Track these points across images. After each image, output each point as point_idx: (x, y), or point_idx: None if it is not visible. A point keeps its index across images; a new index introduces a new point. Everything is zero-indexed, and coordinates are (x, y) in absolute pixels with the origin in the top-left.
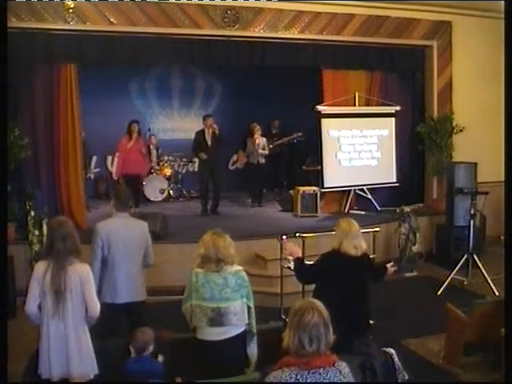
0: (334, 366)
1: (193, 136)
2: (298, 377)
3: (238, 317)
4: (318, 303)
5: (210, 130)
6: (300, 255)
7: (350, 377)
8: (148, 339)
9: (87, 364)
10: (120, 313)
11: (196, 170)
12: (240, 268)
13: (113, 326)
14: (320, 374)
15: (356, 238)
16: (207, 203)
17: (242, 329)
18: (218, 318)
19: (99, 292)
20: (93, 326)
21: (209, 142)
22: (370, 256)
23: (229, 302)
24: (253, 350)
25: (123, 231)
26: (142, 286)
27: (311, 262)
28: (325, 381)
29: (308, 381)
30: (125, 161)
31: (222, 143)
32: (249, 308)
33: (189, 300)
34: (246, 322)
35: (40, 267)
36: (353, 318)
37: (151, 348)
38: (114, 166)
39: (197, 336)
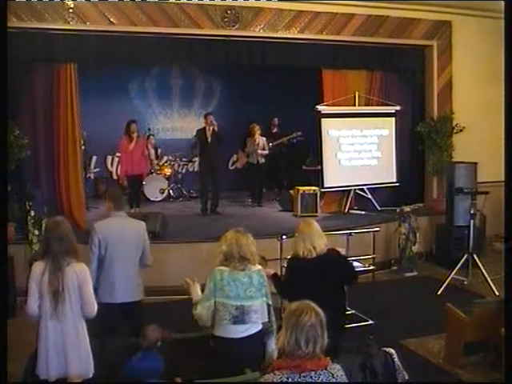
0: (326, 369)
1: (192, 135)
2: (289, 380)
3: (258, 315)
4: (314, 304)
5: (211, 128)
6: (272, 272)
7: (343, 379)
8: (158, 337)
9: (85, 364)
10: (117, 312)
11: (196, 169)
12: (260, 267)
13: (110, 325)
14: (311, 377)
15: (308, 240)
16: (207, 203)
17: (261, 327)
18: (241, 316)
19: (96, 291)
20: (90, 326)
21: (209, 139)
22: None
23: (252, 301)
24: (274, 345)
25: (120, 231)
26: (140, 286)
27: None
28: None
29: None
30: (128, 162)
31: (221, 141)
32: (268, 305)
33: (211, 298)
34: (266, 319)
35: (37, 268)
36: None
37: (158, 345)
38: (114, 166)
39: (216, 334)
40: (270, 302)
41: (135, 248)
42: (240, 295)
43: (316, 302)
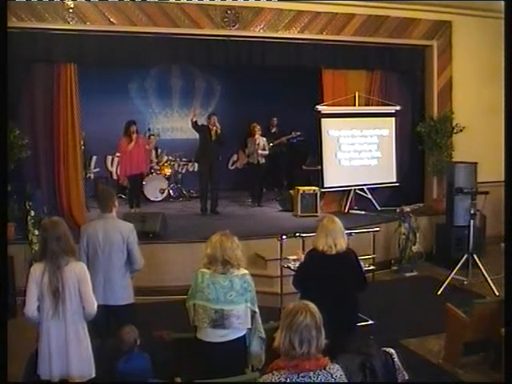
0: (325, 369)
1: (193, 136)
2: (288, 380)
3: (241, 320)
4: (312, 305)
5: (214, 128)
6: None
7: (342, 379)
8: (134, 337)
9: (87, 364)
10: (97, 313)
11: (196, 169)
12: (246, 272)
13: (93, 326)
14: (310, 377)
15: (330, 236)
16: (207, 203)
17: (243, 333)
18: (220, 320)
19: None
20: None
21: (213, 138)
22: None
23: (233, 305)
24: (258, 349)
25: (103, 233)
26: (126, 290)
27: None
28: None
29: None
30: (128, 162)
31: (222, 144)
32: (254, 312)
33: (192, 298)
34: (249, 326)
35: (36, 269)
36: (337, 319)
37: (138, 344)
38: (114, 166)
39: (197, 336)
40: (256, 309)
41: (118, 251)
42: (219, 299)
43: (328, 299)
